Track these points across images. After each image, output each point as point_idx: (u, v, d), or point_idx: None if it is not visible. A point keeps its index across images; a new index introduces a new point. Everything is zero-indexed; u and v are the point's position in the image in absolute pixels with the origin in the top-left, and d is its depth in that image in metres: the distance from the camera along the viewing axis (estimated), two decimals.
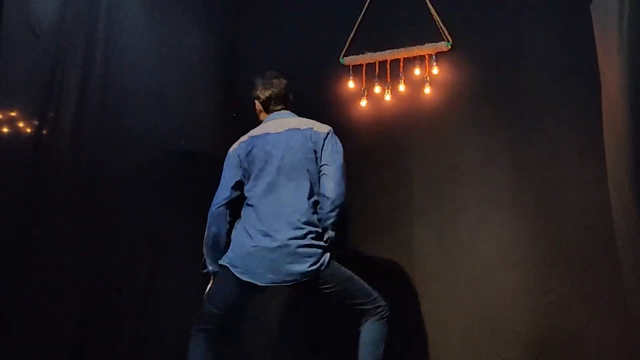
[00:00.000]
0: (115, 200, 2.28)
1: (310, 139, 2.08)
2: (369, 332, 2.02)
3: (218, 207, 2.08)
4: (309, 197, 2.02)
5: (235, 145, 2.18)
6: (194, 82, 2.57)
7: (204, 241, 2.11)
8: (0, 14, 1.94)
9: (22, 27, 2.02)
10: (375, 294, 2.06)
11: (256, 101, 2.26)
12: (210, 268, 2.12)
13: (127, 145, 2.37)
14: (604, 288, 2.22)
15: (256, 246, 1.96)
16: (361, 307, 2.03)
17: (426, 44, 2.66)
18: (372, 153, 2.76)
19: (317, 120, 2.21)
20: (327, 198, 2.01)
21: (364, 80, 2.79)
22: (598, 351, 2.20)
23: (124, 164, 2.32)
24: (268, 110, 2.24)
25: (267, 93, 2.21)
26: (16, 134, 2.01)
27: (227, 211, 2.09)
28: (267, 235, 1.97)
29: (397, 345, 2.56)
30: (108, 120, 2.30)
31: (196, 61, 2.71)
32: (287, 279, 1.94)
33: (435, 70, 2.64)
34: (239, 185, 2.11)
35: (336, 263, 2.03)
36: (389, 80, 2.74)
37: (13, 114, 2.01)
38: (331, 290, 2.00)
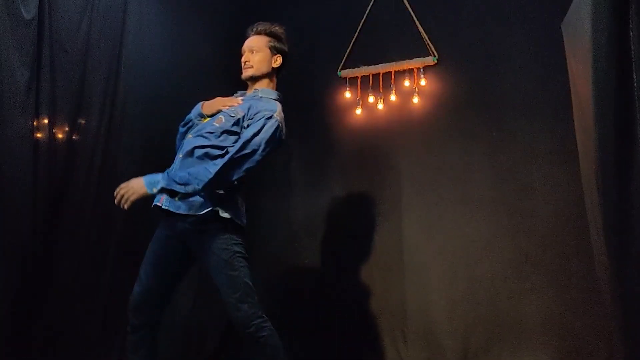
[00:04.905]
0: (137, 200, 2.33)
1: None
2: None
3: None
4: None
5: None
6: (205, 88, 2.50)
7: None
8: (41, 43, 2.09)
9: (55, 47, 2.17)
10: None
11: (282, 57, 1.98)
12: None
13: (147, 148, 2.49)
14: (575, 277, 2.32)
15: None
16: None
17: (415, 59, 2.79)
18: (366, 155, 2.88)
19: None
20: None
21: (359, 91, 2.91)
22: (571, 334, 2.31)
23: (146, 165, 2.34)
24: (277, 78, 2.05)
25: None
26: (50, 138, 2.16)
27: None
28: None
29: (384, 334, 2.68)
30: (131, 125, 2.42)
31: (206, 70, 2.81)
32: None
33: (423, 82, 2.76)
34: None
35: None
36: (381, 90, 2.85)
37: (46, 121, 2.17)
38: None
